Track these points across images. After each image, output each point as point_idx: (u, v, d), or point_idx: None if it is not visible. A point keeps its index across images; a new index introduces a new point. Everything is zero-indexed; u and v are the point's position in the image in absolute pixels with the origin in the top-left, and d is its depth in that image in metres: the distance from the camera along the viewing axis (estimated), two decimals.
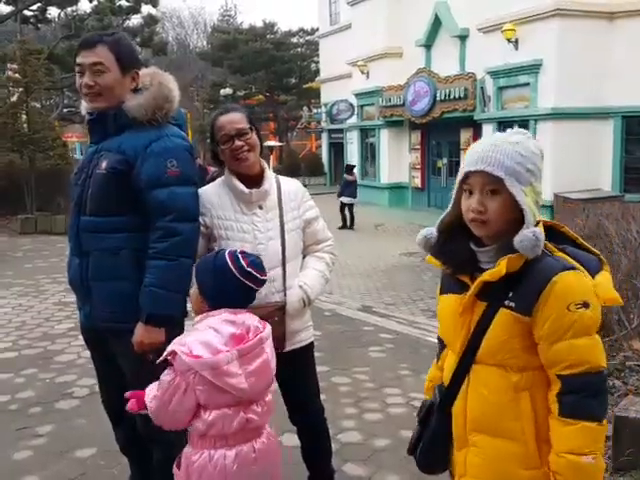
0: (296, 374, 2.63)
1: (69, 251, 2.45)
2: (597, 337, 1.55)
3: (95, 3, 20.78)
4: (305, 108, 34.87)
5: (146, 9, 22.29)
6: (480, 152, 1.58)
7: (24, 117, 13.84)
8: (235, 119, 2.46)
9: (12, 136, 13.45)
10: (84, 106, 2.44)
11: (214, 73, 38.76)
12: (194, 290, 2.13)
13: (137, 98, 2.32)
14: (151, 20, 23.25)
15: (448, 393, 1.71)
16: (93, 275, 2.34)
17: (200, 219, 2.42)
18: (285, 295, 2.48)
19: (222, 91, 34.14)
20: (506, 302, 1.56)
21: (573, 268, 1.54)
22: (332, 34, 24.44)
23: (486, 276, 1.56)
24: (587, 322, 1.51)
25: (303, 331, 2.61)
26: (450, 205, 1.68)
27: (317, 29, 28.60)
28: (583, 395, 1.50)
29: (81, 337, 2.63)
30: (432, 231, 1.71)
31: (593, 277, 1.58)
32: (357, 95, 20.57)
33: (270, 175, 2.55)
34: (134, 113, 2.29)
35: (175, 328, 2.31)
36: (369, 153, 20.85)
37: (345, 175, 15.31)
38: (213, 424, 1.90)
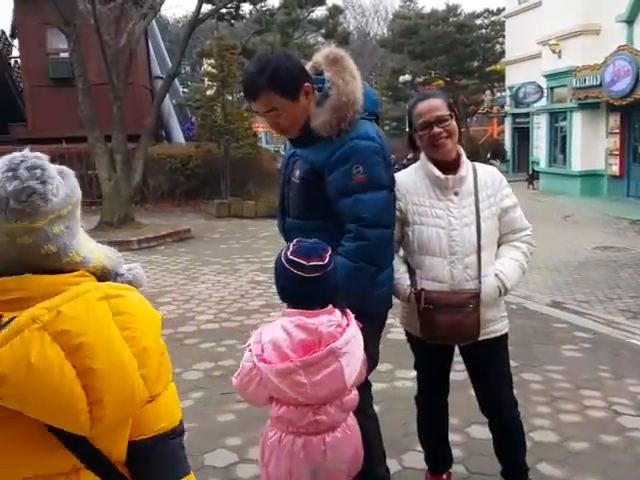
0: (488, 365, 2.59)
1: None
2: None
3: None
4: (487, 92, 33.66)
5: (331, 0, 22.86)
6: None
7: (219, 109, 14.91)
8: (435, 105, 2.42)
9: (210, 127, 14.60)
10: None
11: (393, 60, 38.77)
12: None
13: (320, 116, 2.22)
14: (335, 11, 23.80)
15: None
16: None
17: (396, 204, 2.44)
18: (480, 283, 2.42)
19: (401, 78, 34.09)
20: None
21: None
22: (520, 13, 23.27)
23: None
24: None
25: (498, 321, 2.55)
26: None
27: (503, 9, 27.42)
28: None
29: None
30: None
31: None
32: (547, 76, 19.36)
33: (466, 161, 2.50)
34: (321, 132, 2.23)
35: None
36: (559, 138, 19.56)
37: (491, 161, 15.31)
38: (281, 417, 1.95)
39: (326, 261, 1.95)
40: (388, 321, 2.48)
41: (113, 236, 10.16)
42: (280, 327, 1.91)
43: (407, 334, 2.71)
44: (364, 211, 2.21)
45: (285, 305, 2.04)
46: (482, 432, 2.91)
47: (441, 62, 32.32)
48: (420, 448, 3.18)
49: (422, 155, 2.52)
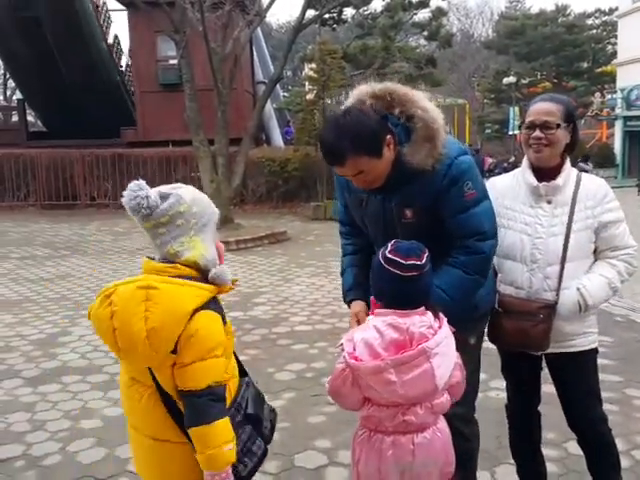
0: (570, 379, 2.50)
1: None
2: None
3: (387, 1, 21.71)
4: (597, 94, 32.09)
5: (435, 2, 22.59)
6: None
7: (318, 113, 15.11)
8: (547, 109, 2.36)
9: (309, 130, 14.84)
10: None
11: (497, 62, 37.82)
12: None
13: (416, 154, 2.11)
14: (439, 13, 23.49)
15: None
16: None
17: None
18: (557, 295, 2.35)
19: (505, 80, 33.13)
20: None
21: None
22: (633, 12, 22.07)
23: None
24: None
25: (580, 336, 2.44)
26: None
27: (616, 8, 26.09)
28: None
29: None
30: None
31: None
32: None
33: (568, 171, 2.41)
34: (424, 167, 2.12)
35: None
36: None
37: (581, 164, 15.63)
38: (371, 416, 1.97)
39: (424, 261, 1.96)
40: None
41: None
42: (372, 327, 1.94)
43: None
44: (482, 224, 2.20)
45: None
46: (579, 448, 2.78)
47: (548, 63, 31.25)
48: (513, 461, 3.09)
49: (524, 159, 2.48)
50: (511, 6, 45.37)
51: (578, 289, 2.35)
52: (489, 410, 3.73)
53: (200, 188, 2.04)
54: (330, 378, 2.01)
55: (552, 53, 30.47)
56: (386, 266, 1.95)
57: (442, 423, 2.06)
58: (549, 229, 2.38)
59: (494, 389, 4.09)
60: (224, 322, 1.90)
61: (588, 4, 44.43)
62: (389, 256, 1.95)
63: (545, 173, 2.40)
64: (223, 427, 1.78)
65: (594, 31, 33.21)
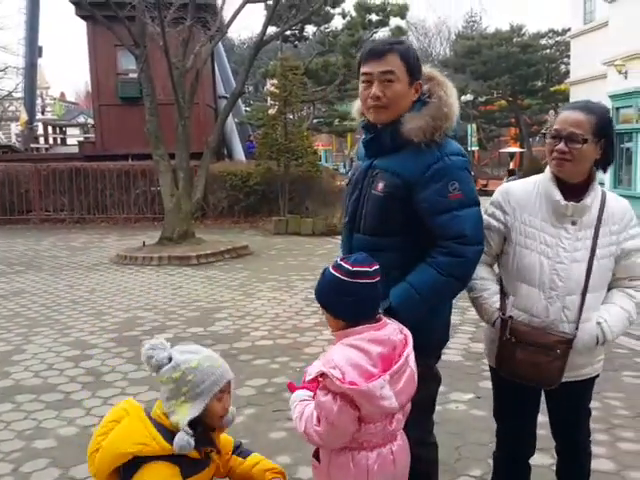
0: (571, 404, 2.39)
1: None
2: None
3: (348, 19, 21.99)
4: (551, 112, 33.01)
5: (394, 22, 22.96)
6: None
7: (280, 128, 15.14)
8: (575, 120, 2.13)
9: (271, 145, 14.85)
10: (359, 119, 2.39)
11: (455, 80, 38.51)
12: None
13: (416, 120, 2.15)
14: (398, 32, 23.87)
15: None
16: None
17: (501, 216, 2.30)
18: (577, 329, 2.18)
19: (462, 97, 33.79)
20: None
21: None
22: (586, 33, 22.78)
23: None
24: None
25: (589, 365, 2.33)
26: None
27: (569, 29, 26.92)
28: None
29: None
30: None
31: None
32: (612, 97, 18.84)
33: (596, 189, 2.21)
34: (412, 136, 2.14)
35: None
36: (624, 159, 18.98)
37: (506, 179, 17.77)
38: (363, 436, 1.90)
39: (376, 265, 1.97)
40: None
41: (173, 251, 10.42)
42: (350, 347, 1.86)
43: (491, 370, 2.48)
44: (464, 228, 2.12)
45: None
46: (538, 459, 2.81)
47: (504, 82, 32.00)
48: (472, 473, 3.12)
49: (547, 169, 2.26)
50: (468, 26, 46.46)
51: (599, 323, 2.20)
52: (448, 422, 3.78)
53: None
54: (314, 429, 1.87)
55: (507, 72, 31.24)
56: (355, 281, 1.91)
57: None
58: (572, 254, 2.18)
59: (453, 401, 4.13)
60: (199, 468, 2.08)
61: (542, 24, 45.86)
62: (354, 269, 1.92)
63: (569, 188, 2.19)
64: None
65: (548, 51, 34.15)
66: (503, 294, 2.32)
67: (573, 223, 2.19)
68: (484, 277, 2.36)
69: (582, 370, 2.30)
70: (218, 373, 2.07)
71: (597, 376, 2.40)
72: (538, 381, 2.26)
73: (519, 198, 2.28)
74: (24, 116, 26.22)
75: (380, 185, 2.20)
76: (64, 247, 12.15)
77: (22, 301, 7.50)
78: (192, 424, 2.01)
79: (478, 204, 2.20)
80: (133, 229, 14.78)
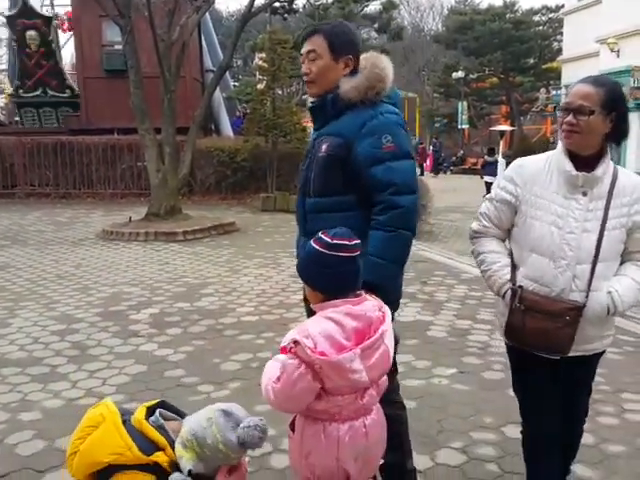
0: (578, 380, 2.43)
1: (297, 231, 2.58)
2: None
3: None
4: (542, 90, 32.94)
5: None
6: None
7: (268, 103, 14.99)
8: (584, 92, 2.16)
9: (259, 121, 14.71)
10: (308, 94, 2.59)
11: (447, 56, 38.33)
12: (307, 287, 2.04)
13: (350, 81, 2.36)
14: (390, 5, 23.67)
15: None
16: None
17: (513, 189, 2.32)
18: (587, 297, 2.20)
19: (454, 74, 33.67)
20: None
21: None
22: (579, 10, 22.67)
23: None
24: None
25: (599, 340, 2.35)
26: None
27: (562, 5, 26.78)
28: None
29: None
30: None
31: None
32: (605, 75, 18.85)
33: (608, 162, 2.24)
34: (349, 95, 2.34)
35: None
36: None
37: (486, 156, 18.12)
38: (331, 407, 1.93)
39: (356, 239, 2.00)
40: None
41: (159, 227, 10.37)
42: (326, 319, 1.89)
43: (507, 348, 2.50)
44: (395, 178, 2.27)
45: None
46: (517, 432, 2.85)
47: (496, 59, 31.83)
48: (454, 445, 3.15)
49: (559, 144, 2.29)
50: (461, 1, 46.04)
51: (609, 292, 2.22)
52: (431, 396, 3.82)
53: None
54: (277, 378, 1.90)
55: (500, 49, 31.06)
56: (335, 254, 1.92)
57: (378, 402, 2.11)
58: (583, 224, 2.20)
59: (437, 376, 4.17)
60: None
61: (535, 1, 45.48)
62: (334, 242, 1.94)
63: (580, 161, 2.21)
64: None
65: (541, 28, 33.99)
66: (514, 266, 2.35)
67: (584, 194, 2.21)
68: (495, 250, 2.41)
69: (591, 344, 2.32)
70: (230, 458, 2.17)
71: (604, 352, 2.42)
72: (548, 348, 2.27)
73: (531, 171, 2.31)
74: (8, 88, 25.79)
75: (324, 147, 2.38)
76: (49, 222, 12.06)
77: (7, 275, 7.46)
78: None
79: (412, 158, 2.36)
80: (119, 204, 14.67)
